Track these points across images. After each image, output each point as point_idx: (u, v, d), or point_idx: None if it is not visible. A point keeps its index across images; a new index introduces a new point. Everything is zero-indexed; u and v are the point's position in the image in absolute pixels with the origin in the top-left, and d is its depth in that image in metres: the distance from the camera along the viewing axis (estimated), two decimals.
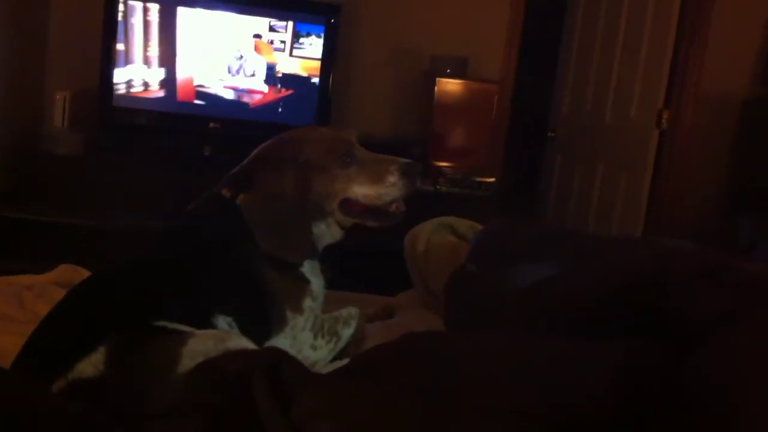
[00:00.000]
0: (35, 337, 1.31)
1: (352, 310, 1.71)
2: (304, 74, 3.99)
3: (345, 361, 1.51)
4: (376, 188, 1.57)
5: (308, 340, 1.55)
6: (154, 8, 3.79)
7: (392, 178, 1.57)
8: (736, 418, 0.83)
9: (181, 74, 3.87)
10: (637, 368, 1.01)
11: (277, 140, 1.62)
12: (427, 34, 4.36)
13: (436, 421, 0.91)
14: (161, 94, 3.87)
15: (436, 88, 4.07)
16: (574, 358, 1.07)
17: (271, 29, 3.92)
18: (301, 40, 3.94)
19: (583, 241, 1.64)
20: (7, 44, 3.75)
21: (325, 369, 1.52)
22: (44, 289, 1.86)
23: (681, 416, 0.89)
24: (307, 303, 1.56)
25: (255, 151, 1.62)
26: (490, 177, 4.05)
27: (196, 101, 3.91)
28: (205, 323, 1.35)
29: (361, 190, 1.58)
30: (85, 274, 1.88)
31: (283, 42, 3.93)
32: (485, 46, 4.41)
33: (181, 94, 3.89)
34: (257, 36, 3.89)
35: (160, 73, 3.85)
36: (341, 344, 1.63)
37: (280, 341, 1.50)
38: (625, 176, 4.05)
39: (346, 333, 1.64)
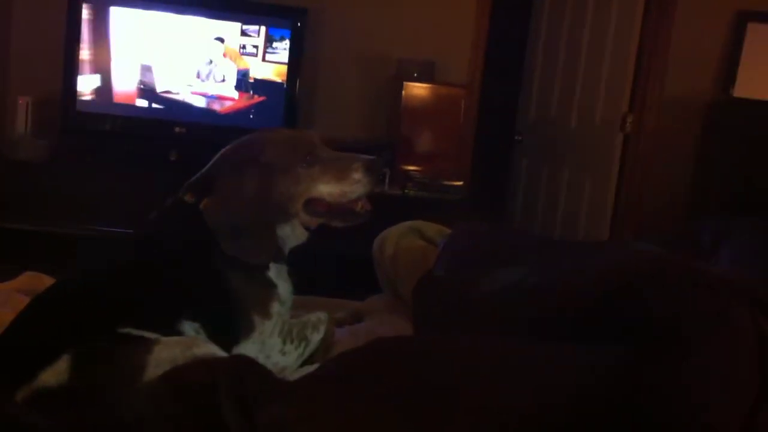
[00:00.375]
0: None
1: (321, 315, 1.70)
2: (278, 80, 3.97)
3: (314, 366, 1.51)
4: (341, 186, 1.57)
5: (277, 345, 1.54)
6: (120, 12, 3.75)
7: (356, 175, 1.57)
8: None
9: (147, 79, 3.84)
10: (627, 371, 1.01)
11: (237, 143, 1.61)
12: (394, 38, 4.36)
13: (427, 424, 0.91)
14: (126, 99, 3.83)
15: (403, 92, 4.07)
16: (566, 361, 1.08)
17: (243, 33, 3.90)
18: (275, 44, 3.92)
19: (554, 246, 1.65)
20: None
21: (294, 374, 1.51)
22: (7, 297, 1.82)
23: (670, 418, 0.90)
24: (275, 308, 1.55)
25: (217, 155, 1.61)
26: (458, 181, 4.06)
27: (162, 106, 3.87)
28: (172, 329, 1.33)
29: (326, 189, 1.57)
30: (49, 281, 1.85)
31: (256, 47, 3.91)
32: (452, 50, 4.42)
33: (145, 100, 3.85)
34: (219, 39, 3.86)
35: (126, 79, 3.81)
36: (310, 349, 1.62)
37: (248, 347, 1.49)
38: (591, 179, 4.09)
39: (316, 338, 1.64)
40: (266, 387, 0.78)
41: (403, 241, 2.01)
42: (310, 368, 1.51)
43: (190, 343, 1.25)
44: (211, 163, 1.60)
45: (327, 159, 1.58)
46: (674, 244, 1.77)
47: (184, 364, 1.12)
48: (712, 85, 4.34)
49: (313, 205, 1.59)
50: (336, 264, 2.98)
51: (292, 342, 1.57)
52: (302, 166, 1.56)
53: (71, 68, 3.71)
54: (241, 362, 0.82)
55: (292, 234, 1.63)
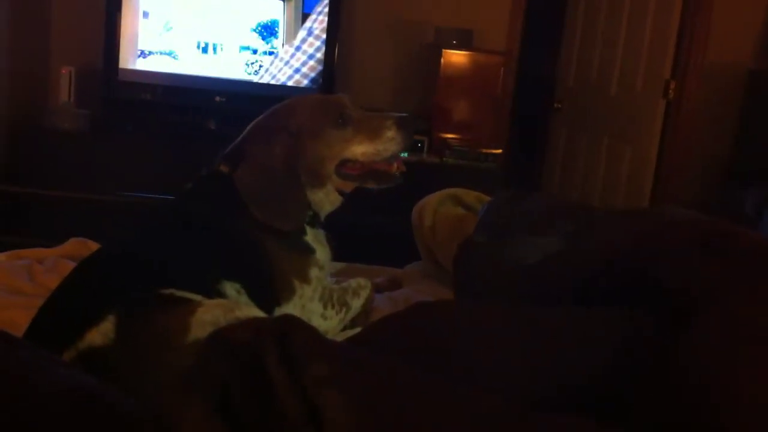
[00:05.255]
0: (45, 309, 1.31)
1: (362, 281, 1.71)
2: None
3: (356, 330, 1.52)
4: (375, 145, 1.56)
5: (317, 309, 1.55)
6: None
7: (390, 133, 1.56)
8: (729, 392, 0.84)
9: (192, 48, 3.85)
10: (639, 341, 1.01)
11: (269, 111, 1.62)
12: (431, 6, 4.33)
13: (448, 389, 0.91)
14: (169, 68, 3.84)
15: (441, 59, 4.04)
16: (600, 330, 1.08)
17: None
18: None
19: (589, 214, 1.64)
20: (10, 18, 3.74)
21: (336, 339, 1.53)
22: (55, 263, 1.86)
23: (677, 391, 0.90)
24: (314, 273, 1.56)
25: (249, 126, 1.62)
26: (497, 149, 4.04)
27: (203, 75, 3.87)
28: (213, 291, 1.35)
29: (360, 149, 1.57)
30: (95, 247, 1.89)
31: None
32: (490, 18, 4.38)
33: (189, 68, 3.86)
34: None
35: (169, 46, 3.83)
36: (351, 314, 1.63)
37: (289, 310, 1.50)
38: (631, 147, 4.04)
39: (356, 303, 1.65)
40: (311, 346, 0.79)
41: (442, 208, 2.02)
42: (351, 333, 1.53)
43: (232, 306, 1.27)
44: (244, 132, 1.61)
45: (359, 119, 1.58)
46: (717, 212, 1.74)
47: (227, 325, 1.14)
48: (754, 51, 4.24)
49: (346, 168, 1.59)
50: (375, 232, 2.99)
51: (333, 307, 1.58)
52: (334, 128, 1.56)
53: (112, 36, 3.72)
54: (286, 321, 0.83)
55: (327, 199, 1.63)
